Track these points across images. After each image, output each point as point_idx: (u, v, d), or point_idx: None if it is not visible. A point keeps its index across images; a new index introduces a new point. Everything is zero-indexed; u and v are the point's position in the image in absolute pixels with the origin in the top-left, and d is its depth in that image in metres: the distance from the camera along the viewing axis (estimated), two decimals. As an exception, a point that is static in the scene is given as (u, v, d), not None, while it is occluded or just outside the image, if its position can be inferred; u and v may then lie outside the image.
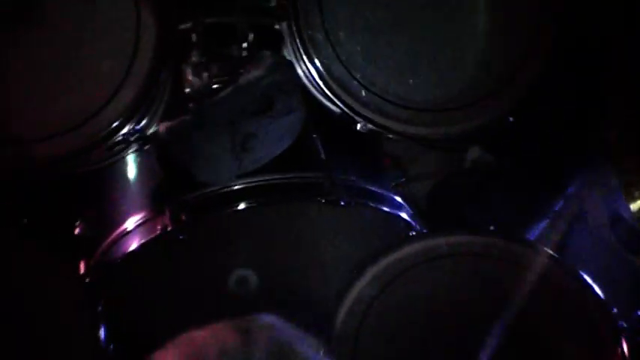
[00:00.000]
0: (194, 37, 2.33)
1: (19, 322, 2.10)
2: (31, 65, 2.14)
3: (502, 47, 2.28)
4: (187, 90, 2.36)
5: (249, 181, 2.23)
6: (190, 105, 2.30)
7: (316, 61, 2.27)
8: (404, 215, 2.39)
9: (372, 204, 2.33)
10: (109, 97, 2.15)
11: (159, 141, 2.29)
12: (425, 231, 2.40)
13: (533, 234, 2.48)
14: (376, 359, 2.15)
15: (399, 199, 2.44)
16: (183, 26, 2.34)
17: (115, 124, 2.15)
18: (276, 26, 2.35)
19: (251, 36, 2.34)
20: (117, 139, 2.19)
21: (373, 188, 2.38)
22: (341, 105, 2.26)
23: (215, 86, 2.33)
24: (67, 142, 2.13)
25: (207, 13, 2.36)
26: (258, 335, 1.21)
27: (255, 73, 2.30)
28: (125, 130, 2.18)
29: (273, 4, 2.37)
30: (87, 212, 2.48)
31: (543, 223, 2.49)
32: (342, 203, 2.22)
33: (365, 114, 2.26)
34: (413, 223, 2.40)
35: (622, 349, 2.08)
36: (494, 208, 2.67)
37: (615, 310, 2.11)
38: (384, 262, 2.21)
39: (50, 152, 2.13)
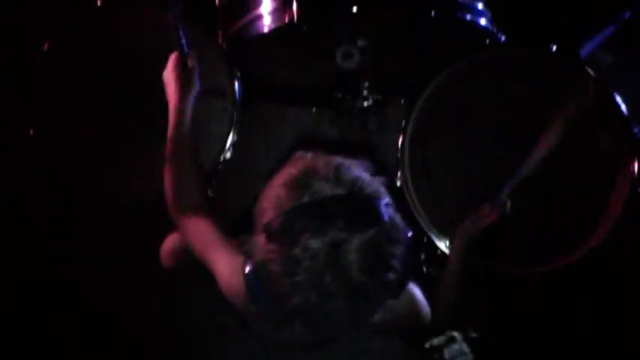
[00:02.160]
0: None
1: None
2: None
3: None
4: None
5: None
6: None
7: None
8: (483, 22, 2.91)
9: (457, 14, 2.85)
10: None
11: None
12: (499, 36, 2.93)
13: (585, 50, 3.01)
14: (445, 142, 2.78)
15: (480, 6, 2.93)
16: None
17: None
18: None
19: None
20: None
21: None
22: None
23: None
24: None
25: None
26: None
27: None
28: None
29: None
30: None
31: (596, 42, 3.00)
32: (433, 14, 2.75)
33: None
34: (490, 28, 2.93)
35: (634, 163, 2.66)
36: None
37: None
38: (459, 65, 2.78)
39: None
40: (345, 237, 1.65)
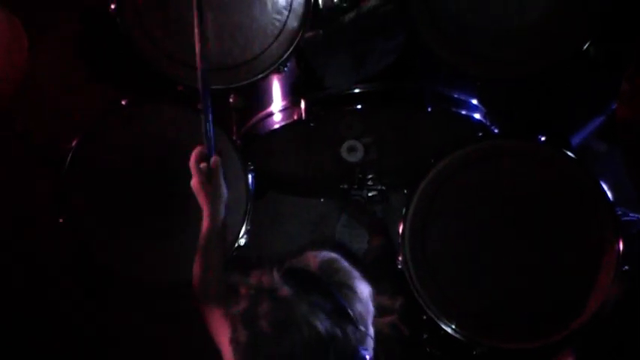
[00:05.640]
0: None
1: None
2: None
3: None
4: (320, 6, 3.09)
5: (362, 87, 2.99)
6: (323, 22, 3.05)
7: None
8: (477, 116, 3.15)
9: (452, 109, 3.09)
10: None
11: (299, 48, 3.05)
12: (492, 129, 3.17)
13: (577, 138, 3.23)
14: (443, 226, 2.97)
15: (475, 101, 3.18)
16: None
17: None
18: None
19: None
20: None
21: (455, 95, 3.13)
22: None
23: (343, 5, 3.07)
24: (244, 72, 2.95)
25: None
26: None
27: (373, 3, 3.04)
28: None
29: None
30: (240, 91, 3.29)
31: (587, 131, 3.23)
32: (429, 109, 2.99)
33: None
34: (484, 121, 3.17)
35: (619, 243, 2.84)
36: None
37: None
38: (455, 155, 3.00)
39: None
40: None
